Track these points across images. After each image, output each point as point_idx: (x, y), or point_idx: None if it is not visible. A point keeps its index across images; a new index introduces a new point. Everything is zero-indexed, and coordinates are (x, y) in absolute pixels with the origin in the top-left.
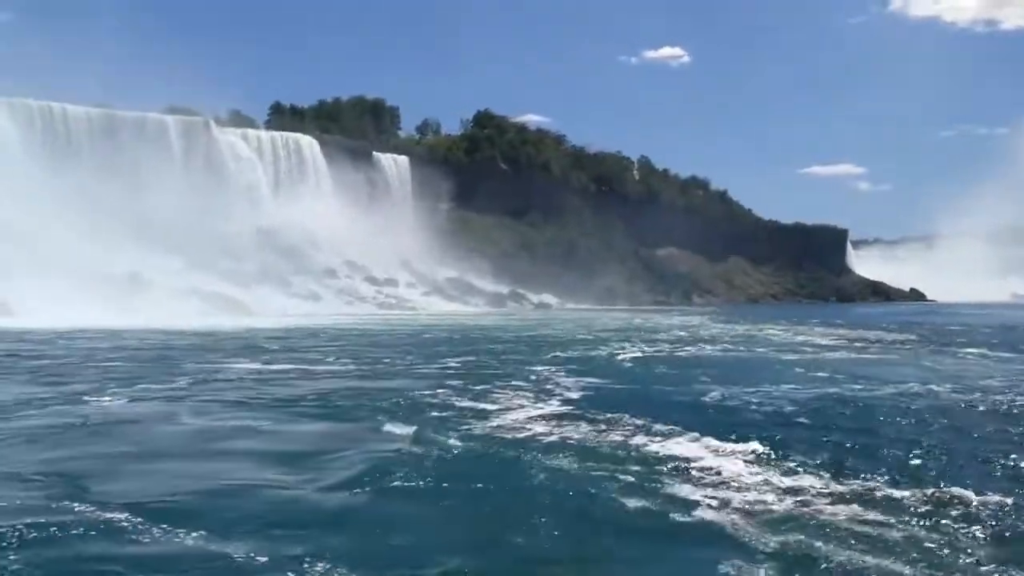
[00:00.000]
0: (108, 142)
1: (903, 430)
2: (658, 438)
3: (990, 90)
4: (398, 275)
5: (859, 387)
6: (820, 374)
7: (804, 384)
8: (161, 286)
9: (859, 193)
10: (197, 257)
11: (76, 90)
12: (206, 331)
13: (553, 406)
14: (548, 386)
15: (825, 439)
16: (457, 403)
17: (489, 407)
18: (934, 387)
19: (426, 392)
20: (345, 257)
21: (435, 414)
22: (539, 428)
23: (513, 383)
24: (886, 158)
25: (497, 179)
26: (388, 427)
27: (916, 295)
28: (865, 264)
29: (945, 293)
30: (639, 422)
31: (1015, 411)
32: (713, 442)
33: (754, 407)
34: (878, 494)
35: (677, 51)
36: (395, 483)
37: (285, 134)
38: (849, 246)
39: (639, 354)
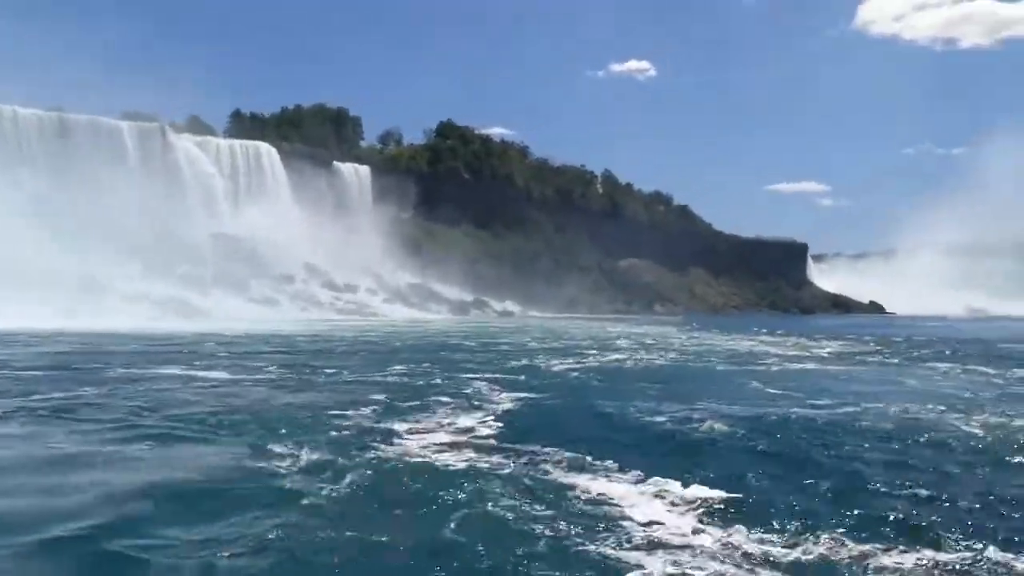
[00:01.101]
0: (61, 146)
1: (890, 467)
2: (591, 475)
3: (948, 109)
4: (359, 281)
5: (828, 406)
6: (783, 390)
7: (767, 402)
8: (114, 290)
9: (822, 209)
10: (153, 262)
11: (28, 92)
12: (152, 335)
13: (477, 427)
14: (481, 402)
15: (799, 479)
16: (370, 422)
17: (403, 427)
18: (910, 406)
19: (345, 408)
20: (304, 263)
21: (336, 434)
22: (449, 457)
23: (444, 398)
24: (848, 175)
25: (461, 189)
26: (267, 453)
27: (875, 307)
28: (826, 277)
29: (903, 306)
30: (572, 453)
31: (1005, 437)
32: (659, 482)
33: (710, 433)
34: (870, 562)
35: (644, 65)
36: (232, 532)
37: (244, 142)
38: (810, 260)
39: (592, 364)
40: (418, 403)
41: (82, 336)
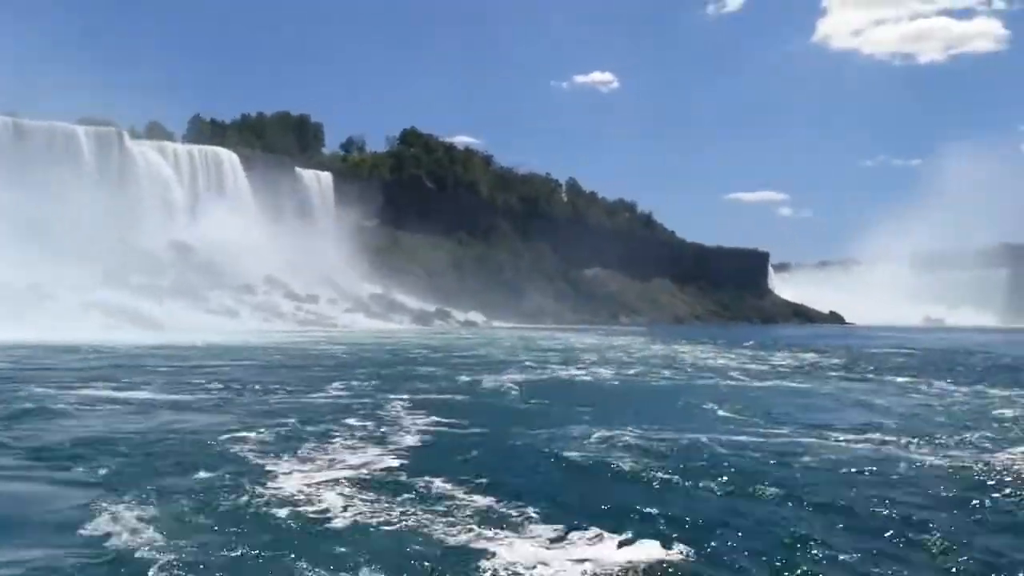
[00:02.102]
0: (15, 151)
1: (851, 514)
2: (498, 530)
3: (906, 122)
4: (320, 291)
5: (785, 435)
6: (738, 413)
7: (718, 430)
8: (65, 300)
9: (782, 219)
10: (108, 271)
11: None
12: (100, 348)
13: (376, 462)
14: (396, 429)
15: (751, 530)
16: (257, 454)
17: (290, 463)
18: (875, 435)
19: (242, 433)
20: (265, 273)
21: (205, 474)
22: (327, 502)
23: (360, 422)
24: (808, 186)
25: (424, 197)
26: (109, 499)
27: (835, 318)
28: (787, 287)
29: (862, 316)
30: (480, 497)
31: (975, 475)
32: (581, 539)
33: (651, 470)
34: None
35: (607, 76)
36: None
37: (204, 147)
38: (771, 269)
39: (539, 379)
40: (327, 428)
41: (25, 348)
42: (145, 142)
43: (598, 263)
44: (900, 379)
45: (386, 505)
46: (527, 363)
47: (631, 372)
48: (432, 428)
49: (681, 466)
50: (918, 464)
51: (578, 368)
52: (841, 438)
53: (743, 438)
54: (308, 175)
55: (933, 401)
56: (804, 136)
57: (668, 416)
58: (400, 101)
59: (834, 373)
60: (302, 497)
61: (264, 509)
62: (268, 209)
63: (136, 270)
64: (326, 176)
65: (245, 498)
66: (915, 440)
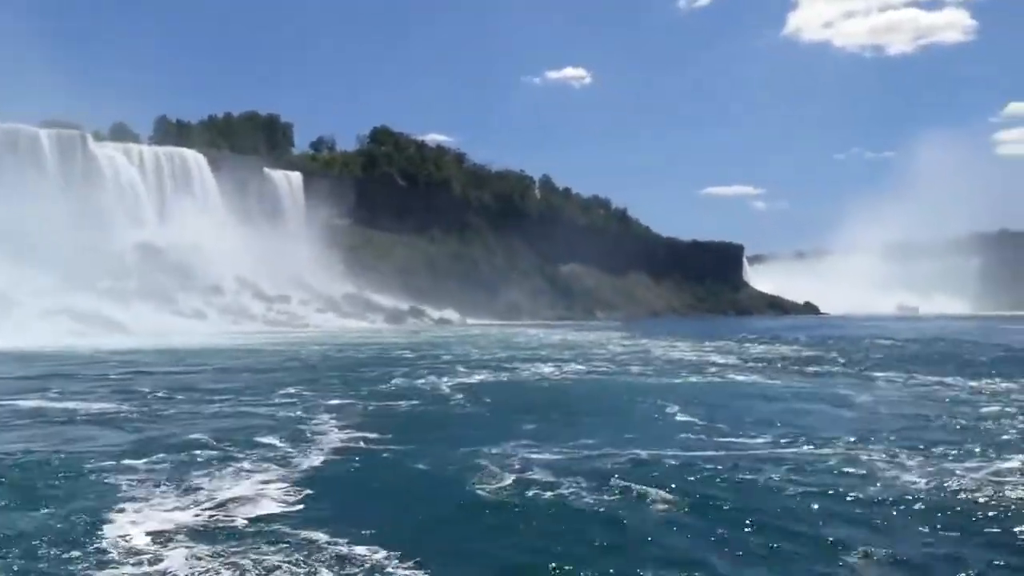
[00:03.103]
0: None
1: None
2: None
3: (878, 114)
4: (291, 292)
5: (753, 446)
6: (703, 419)
7: (682, 438)
8: (29, 306)
9: (756, 212)
10: (73, 275)
11: None
12: (59, 354)
13: (262, 497)
14: (302, 448)
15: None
16: (128, 485)
17: (158, 498)
18: (854, 446)
19: (126, 459)
20: (234, 274)
21: (46, 512)
22: (167, 559)
23: (272, 439)
24: (782, 179)
25: (396, 196)
26: None
27: (810, 308)
28: (762, 279)
29: (837, 306)
30: (361, 553)
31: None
32: None
33: (581, 506)
34: None
35: (580, 72)
36: None
37: (170, 149)
38: (746, 262)
39: (495, 381)
40: (233, 448)
41: None
42: (109, 144)
43: (574, 259)
44: (878, 373)
45: (236, 563)
46: (491, 362)
47: (598, 370)
48: (347, 446)
49: (612, 498)
50: (900, 482)
51: (544, 366)
52: (811, 448)
53: (699, 452)
54: (278, 175)
55: (916, 398)
56: (777, 129)
57: (620, 424)
58: (371, 100)
59: (809, 368)
60: (136, 554)
61: (82, 570)
62: (237, 210)
63: (102, 274)
64: (296, 176)
65: (74, 552)
66: (898, 449)
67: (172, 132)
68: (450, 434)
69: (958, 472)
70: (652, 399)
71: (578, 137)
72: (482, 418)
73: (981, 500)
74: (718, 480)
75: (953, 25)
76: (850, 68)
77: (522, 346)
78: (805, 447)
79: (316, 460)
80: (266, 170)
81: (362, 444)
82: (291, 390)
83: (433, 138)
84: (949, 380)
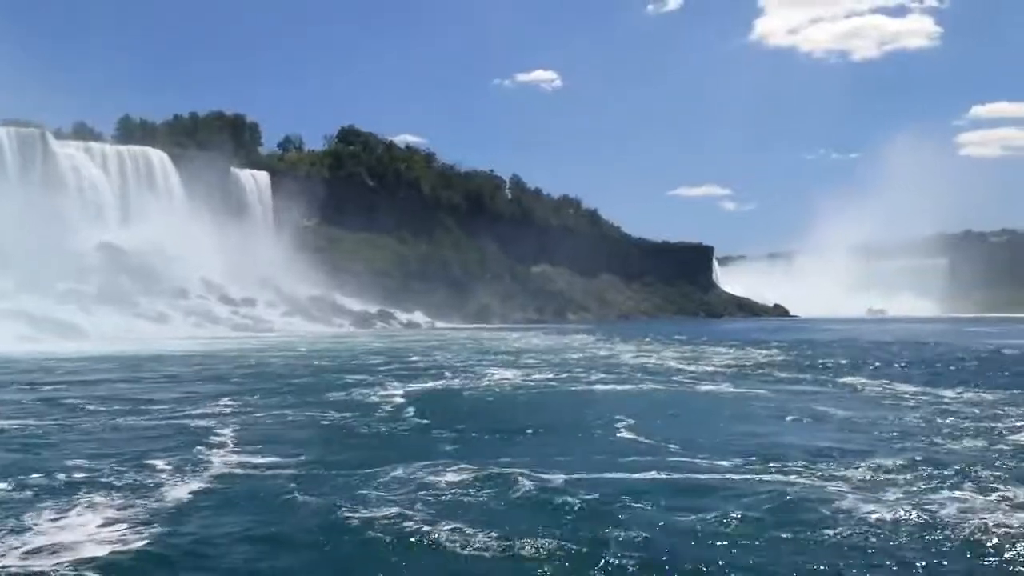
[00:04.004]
0: None
1: None
2: None
3: (845, 117)
4: (257, 295)
5: (708, 464)
6: (658, 438)
7: (620, 460)
8: None
9: (725, 213)
10: (30, 278)
11: None
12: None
13: (90, 543)
14: (188, 470)
15: None
16: None
17: None
18: (847, 487)
19: None
20: (199, 276)
21: None
22: None
23: (160, 461)
24: (751, 180)
25: (365, 196)
26: None
27: (780, 310)
28: (732, 280)
29: (807, 308)
30: None
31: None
32: None
33: (478, 549)
34: None
35: (550, 74)
36: None
37: (134, 148)
38: (715, 263)
39: (434, 389)
40: (113, 472)
41: None
42: (71, 143)
43: (545, 260)
44: (850, 380)
45: None
46: (447, 369)
47: (557, 377)
48: (232, 471)
49: (494, 539)
50: (873, 516)
51: (503, 372)
52: (771, 474)
53: (633, 476)
54: (244, 175)
55: (890, 410)
56: (746, 132)
57: (555, 441)
58: (341, 101)
59: (781, 374)
60: None
61: None
62: (202, 210)
63: (61, 276)
64: (263, 175)
65: None
66: (868, 473)
67: (136, 131)
68: (358, 455)
69: (935, 505)
70: (602, 411)
71: (549, 139)
72: (404, 435)
73: (963, 536)
74: (647, 515)
75: (917, 31)
76: (816, 72)
77: (487, 350)
78: (764, 474)
79: (187, 489)
80: (233, 170)
81: (251, 468)
82: (226, 401)
83: (404, 139)
84: (927, 390)
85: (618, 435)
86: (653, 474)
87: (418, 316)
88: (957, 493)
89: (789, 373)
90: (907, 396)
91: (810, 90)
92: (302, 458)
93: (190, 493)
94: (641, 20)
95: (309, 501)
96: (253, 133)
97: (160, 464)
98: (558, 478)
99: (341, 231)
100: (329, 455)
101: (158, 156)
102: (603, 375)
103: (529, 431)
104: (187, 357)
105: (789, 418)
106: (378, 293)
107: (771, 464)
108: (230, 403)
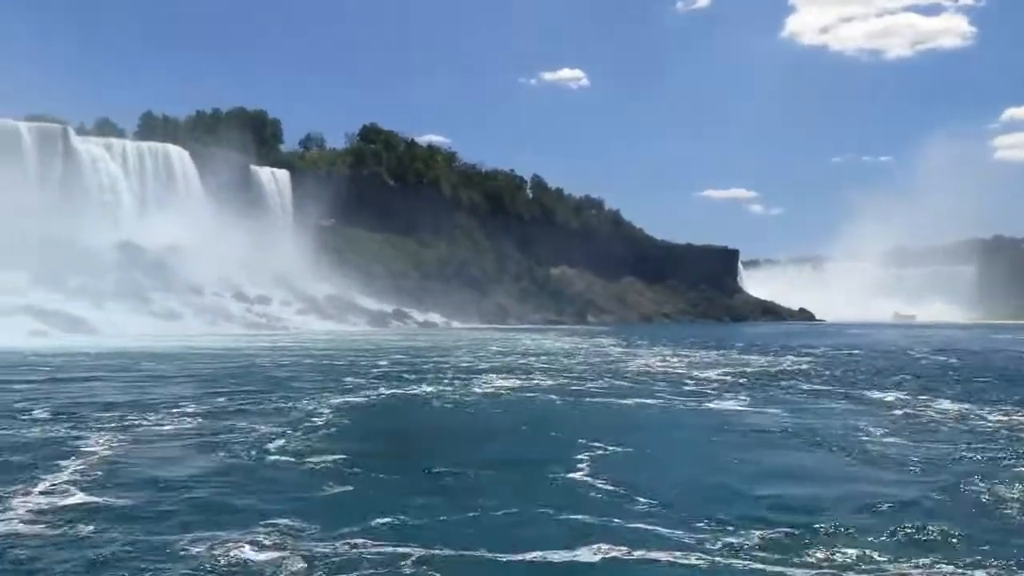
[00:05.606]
0: None
1: None
2: None
3: (875, 118)
4: (272, 292)
5: (686, 526)
6: (642, 479)
7: (584, 526)
8: None
9: (752, 216)
10: (44, 273)
11: None
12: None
13: None
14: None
15: None
16: None
17: None
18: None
19: None
20: (215, 274)
21: None
22: None
23: (64, 473)
24: (778, 183)
25: (385, 195)
26: None
27: (805, 314)
28: (758, 284)
29: (832, 313)
30: None
31: None
32: None
33: None
34: None
35: (577, 73)
36: None
37: (154, 144)
38: (740, 267)
39: (427, 392)
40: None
41: None
42: (92, 139)
43: (564, 261)
44: (882, 395)
45: None
46: (443, 373)
47: (550, 384)
48: (82, 502)
49: None
50: None
51: (500, 379)
52: (777, 553)
53: (566, 551)
54: (264, 173)
55: (935, 440)
56: (774, 133)
57: (479, 487)
58: (364, 100)
59: (804, 385)
60: None
61: None
62: (221, 207)
63: (76, 272)
64: (283, 174)
65: None
66: (897, 539)
67: (158, 127)
68: (182, 501)
69: None
70: (575, 435)
71: (574, 139)
72: (272, 470)
73: None
74: None
75: (951, 30)
76: (847, 72)
77: (494, 352)
78: (766, 555)
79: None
80: (252, 167)
81: (102, 501)
82: (189, 408)
83: (428, 139)
84: (969, 408)
85: (572, 476)
86: (594, 549)
87: (433, 316)
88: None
89: (813, 384)
90: (950, 417)
91: (840, 90)
92: (172, 494)
93: (41, 509)
94: (671, 18)
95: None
96: (274, 130)
97: (54, 477)
98: (431, 553)
99: (359, 230)
100: (210, 489)
101: (178, 152)
102: (603, 384)
103: (455, 468)
104: (189, 355)
105: (811, 450)
106: (395, 292)
107: (780, 536)
108: (191, 410)
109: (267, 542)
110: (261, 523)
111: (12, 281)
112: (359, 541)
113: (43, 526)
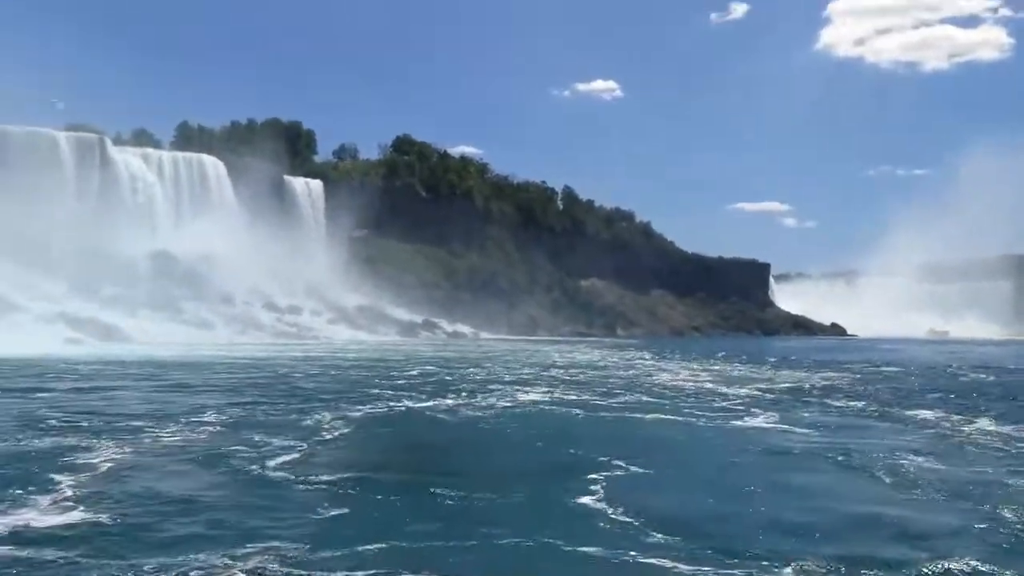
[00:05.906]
0: None
1: None
2: None
3: (911, 131)
4: (303, 302)
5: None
6: (657, 508)
7: (591, 559)
8: (27, 310)
9: (785, 229)
10: (80, 281)
11: None
12: (23, 362)
13: None
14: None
15: None
16: None
17: None
18: None
19: None
20: (247, 283)
21: None
22: None
23: (61, 486)
24: (812, 196)
25: (417, 206)
26: None
27: (837, 330)
28: (789, 298)
29: (865, 328)
30: None
31: None
32: None
33: None
34: None
35: (610, 84)
36: None
37: (189, 154)
38: (772, 280)
39: (439, 405)
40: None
41: None
42: (128, 149)
43: (595, 273)
44: (917, 413)
45: None
46: (462, 384)
47: (575, 399)
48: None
49: None
50: None
51: (521, 392)
52: None
53: None
54: (298, 183)
55: (978, 459)
56: (808, 146)
57: (480, 513)
58: (398, 111)
59: (836, 403)
60: None
61: None
62: (255, 217)
63: (110, 281)
64: (316, 184)
65: None
66: None
67: (194, 138)
68: (178, 515)
69: None
70: (592, 455)
71: (605, 149)
72: (276, 484)
73: None
74: None
75: (990, 42)
76: (883, 84)
77: (521, 363)
78: None
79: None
80: (286, 177)
81: (81, 520)
82: (205, 419)
83: (461, 150)
84: (1018, 432)
85: (584, 501)
86: None
87: (462, 327)
88: None
89: (847, 401)
90: (991, 438)
91: (876, 103)
92: (129, 525)
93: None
94: (705, 29)
95: None
96: (308, 141)
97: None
98: None
99: (391, 241)
100: (135, 522)
101: (212, 163)
102: (628, 398)
103: (459, 489)
104: (216, 364)
105: (844, 473)
106: (425, 303)
107: (811, 569)
108: (200, 421)
109: (247, 566)
110: (248, 545)
111: (50, 290)
112: (344, 570)
113: (9, 547)
